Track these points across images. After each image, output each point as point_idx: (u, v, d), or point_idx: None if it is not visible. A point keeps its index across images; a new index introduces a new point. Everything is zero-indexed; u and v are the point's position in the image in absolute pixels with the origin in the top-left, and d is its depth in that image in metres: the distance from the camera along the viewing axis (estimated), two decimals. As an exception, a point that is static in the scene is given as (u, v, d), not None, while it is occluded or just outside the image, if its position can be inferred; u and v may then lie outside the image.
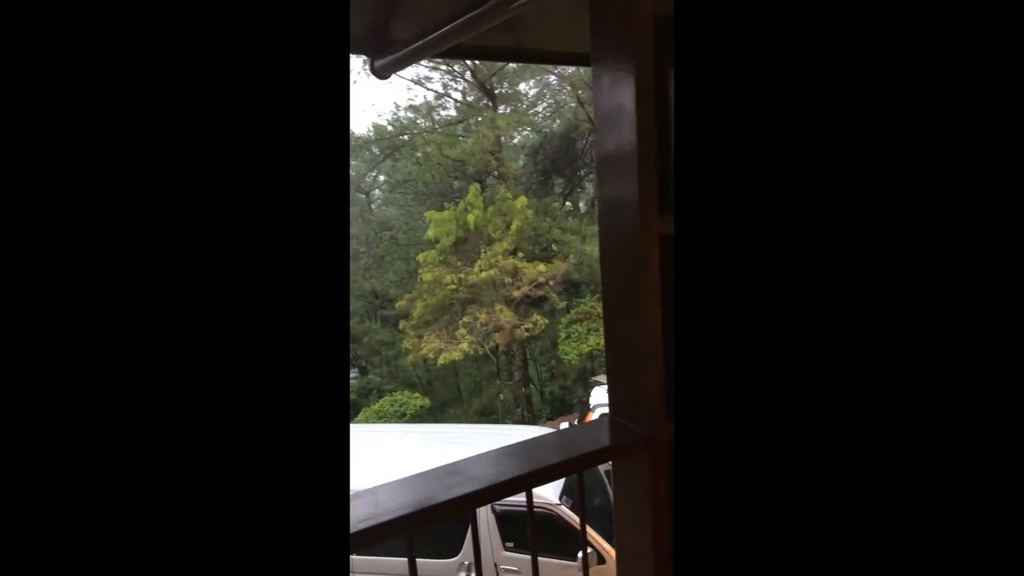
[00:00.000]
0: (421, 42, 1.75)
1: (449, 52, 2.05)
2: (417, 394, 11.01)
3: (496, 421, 10.92)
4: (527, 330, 10.07)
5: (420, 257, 10.62)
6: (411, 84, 12.47)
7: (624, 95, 0.90)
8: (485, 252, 10.13)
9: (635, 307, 0.94)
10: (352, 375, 14.66)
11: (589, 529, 3.88)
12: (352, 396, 12.85)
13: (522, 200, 10.45)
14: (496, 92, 12.80)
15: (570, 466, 0.91)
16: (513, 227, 10.19)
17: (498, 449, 0.94)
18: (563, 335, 10.80)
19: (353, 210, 15.34)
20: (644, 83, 0.88)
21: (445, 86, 12.65)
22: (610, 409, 1.03)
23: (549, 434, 1.03)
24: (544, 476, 0.88)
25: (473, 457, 0.92)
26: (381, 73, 1.85)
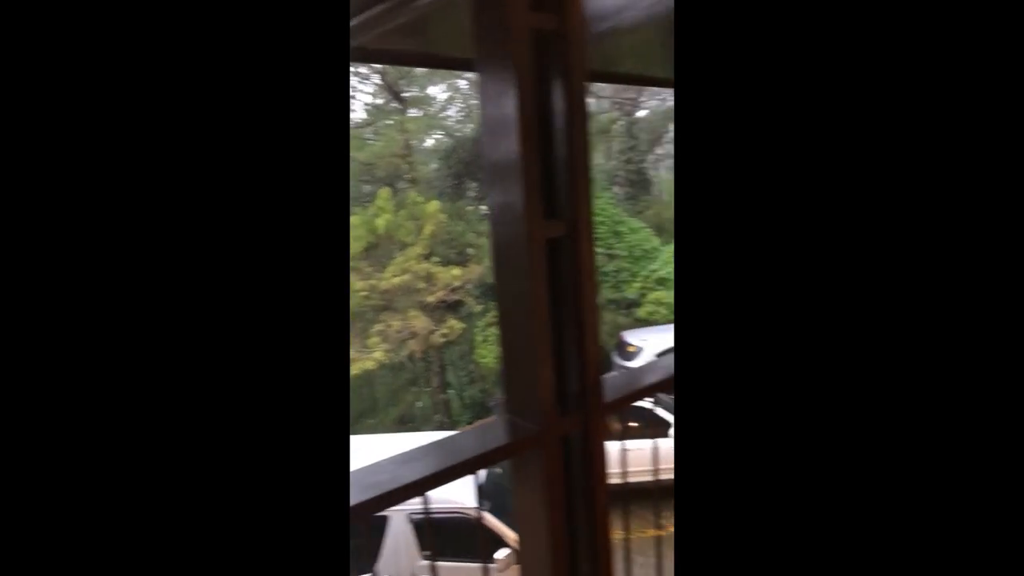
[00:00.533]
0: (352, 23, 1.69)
1: (356, 55, 1.99)
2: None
3: (415, 429, 10.75)
4: (443, 335, 9.99)
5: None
6: (360, 79, 12.03)
7: (507, 104, 0.93)
8: (397, 257, 9.96)
9: (525, 309, 0.98)
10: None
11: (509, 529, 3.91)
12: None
13: (434, 204, 10.38)
14: (405, 95, 12.63)
15: (465, 467, 0.92)
16: (426, 231, 10.09)
17: (393, 456, 0.94)
18: (480, 338, 10.83)
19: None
20: (526, 93, 0.91)
21: (353, 88, 12.30)
22: (505, 408, 1.05)
23: (445, 437, 1.03)
24: (440, 479, 0.89)
25: (370, 465, 0.91)
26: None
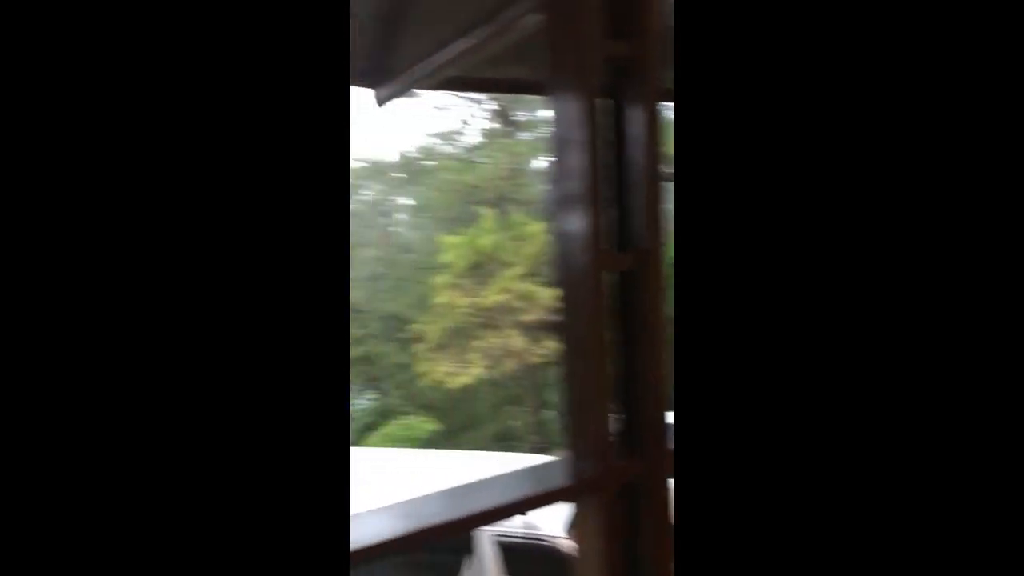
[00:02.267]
0: (417, 71, 1.80)
1: (455, 84, 2.09)
2: (428, 418, 10.98)
3: (511, 448, 10.80)
4: (541, 356, 10.00)
5: (435, 280, 10.71)
6: (437, 111, 12.77)
7: (577, 131, 0.91)
8: (499, 277, 10.16)
9: (588, 345, 0.93)
10: (370, 397, 14.71)
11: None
12: (369, 418, 12.87)
13: (537, 225, 10.50)
14: (516, 119, 12.99)
15: (517, 508, 0.89)
16: (528, 252, 10.22)
17: (451, 488, 0.93)
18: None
19: (376, 233, 15.58)
20: (596, 120, 0.89)
21: (469, 113, 12.90)
22: (567, 448, 1.01)
23: (504, 474, 1.01)
24: (488, 518, 0.87)
25: (427, 496, 0.91)
26: (382, 102, 1.90)
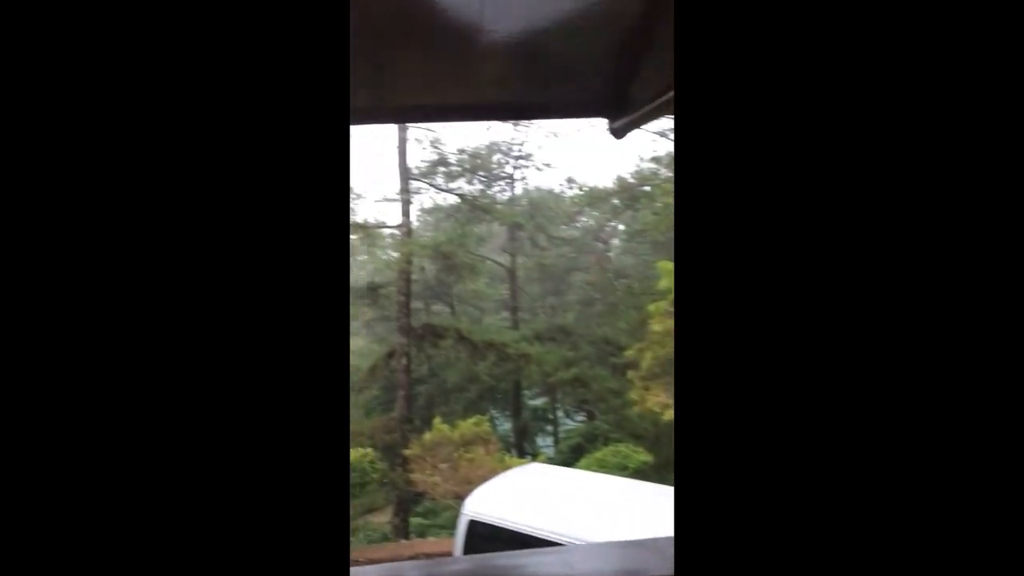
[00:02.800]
0: (658, 102, 1.81)
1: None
2: (641, 448, 10.67)
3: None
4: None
5: (651, 307, 10.47)
6: (655, 136, 12.66)
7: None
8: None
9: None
10: (579, 419, 14.94)
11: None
12: (578, 440, 13.06)
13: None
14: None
15: None
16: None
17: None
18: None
19: (590, 258, 15.94)
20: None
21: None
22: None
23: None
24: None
25: (658, 538, 0.88)
26: (618, 133, 1.96)
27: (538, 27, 1.57)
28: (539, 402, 15.95)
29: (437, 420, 10.17)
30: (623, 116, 1.89)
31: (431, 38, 1.54)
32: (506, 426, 15.07)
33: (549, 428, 15.98)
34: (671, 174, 12.97)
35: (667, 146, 13.37)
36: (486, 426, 10.27)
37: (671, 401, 9.66)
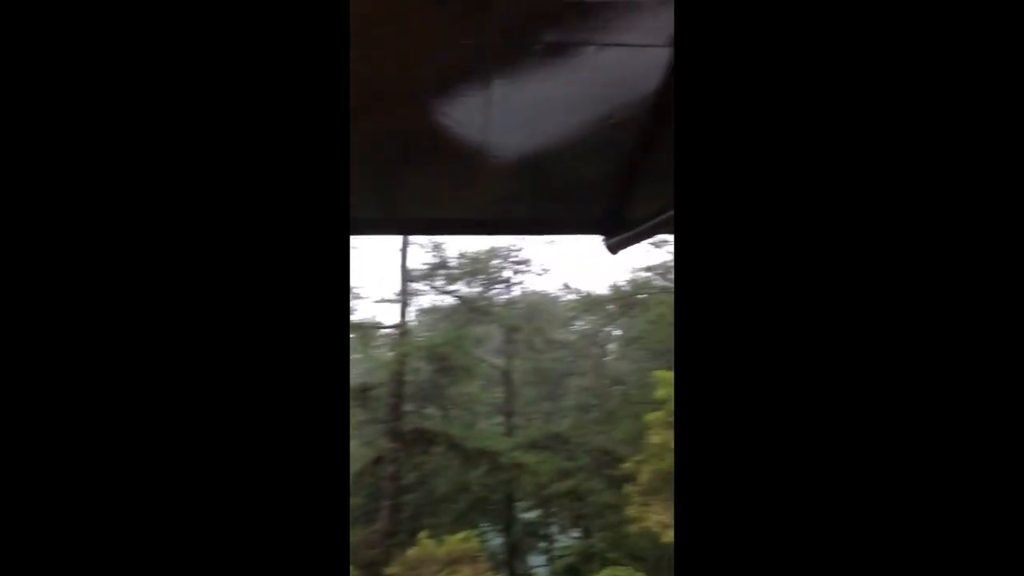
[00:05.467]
0: (652, 223, 1.88)
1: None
2: (641, 572, 9.90)
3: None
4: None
5: (650, 417, 10.20)
6: (650, 247, 13.09)
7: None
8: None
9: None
10: (575, 535, 14.01)
11: None
12: (573, 559, 12.15)
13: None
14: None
15: None
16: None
17: None
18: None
19: (586, 364, 15.81)
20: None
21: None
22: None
23: None
24: None
25: None
26: (613, 249, 2.00)
27: (539, 149, 1.66)
28: (533, 515, 15.07)
29: (423, 535, 9.54)
30: (617, 234, 1.95)
31: (436, 156, 1.62)
32: (497, 540, 14.10)
33: (543, 545, 14.95)
34: (665, 283, 13.24)
35: (661, 256, 13.78)
36: (475, 542, 9.61)
37: (671, 521, 9.12)
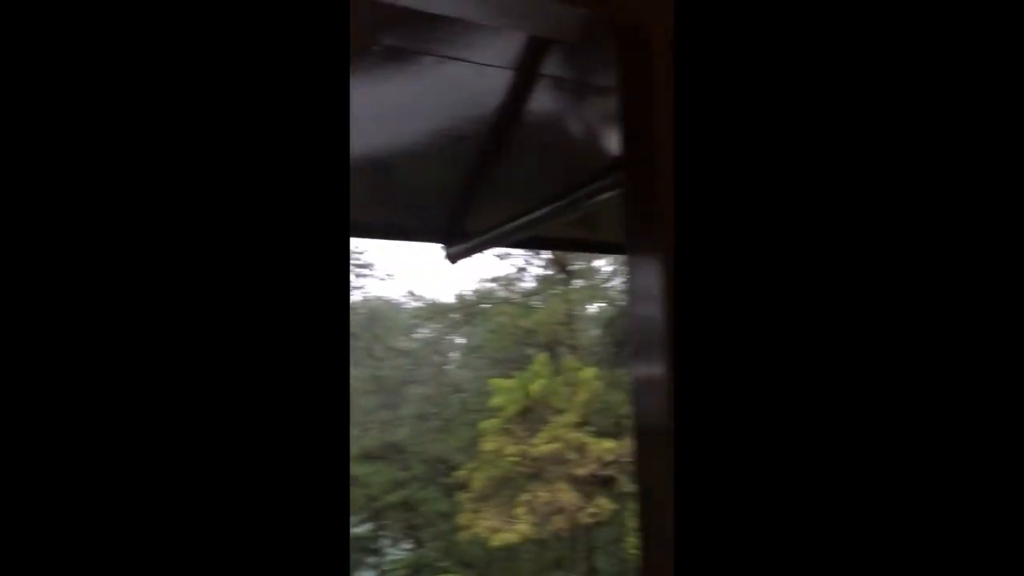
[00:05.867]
0: (491, 235, 1.95)
1: (521, 243, 2.25)
2: (469, 578, 10.06)
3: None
4: (592, 515, 9.27)
5: (484, 425, 10.48)
6: (496, 258, 13.52)
7: (654, 286, 0.93)
8: (550, 424, 9.86)
9: (669, 511, 0.87)
10: (407, 546, 13.76)
11: None
12: (403, 572, 11.92)
13: (591, 371, 10.36)
14: (572, 268, 13.52)
15: None
16: (580, 398, 9.98)
17: None
18: (634, 524, 9.82)
19: (428, 371, 15.75)
20: (672, 277, 0.91)
21: (525, 260, 13.58)
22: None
23: None
24: None
25: None
26: (452, 259, 2.04)
27: (380, 153, 1.63)
28: (362, 530, 14.50)
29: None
30: (458, 244, 1.99)
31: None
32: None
33: (372, 560, 14.44)
34: (507, 294, 13.75)
35: (504, 267, 14.28)
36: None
37: (502, 524, 9.43)
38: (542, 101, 1.52)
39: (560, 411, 10.02)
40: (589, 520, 9.42)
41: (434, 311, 14.68)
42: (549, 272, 13.78)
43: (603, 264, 14.29)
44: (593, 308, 14.37)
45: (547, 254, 13.30)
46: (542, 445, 9.57)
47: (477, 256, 2.11)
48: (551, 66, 1.40)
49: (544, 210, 1.59)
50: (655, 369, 0.92)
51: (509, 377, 10.84)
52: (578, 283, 13.54)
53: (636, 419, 0.96)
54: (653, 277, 0.94)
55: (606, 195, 1.37)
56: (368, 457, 12.66)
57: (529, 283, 13.91)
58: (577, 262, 13.73)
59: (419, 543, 13.23)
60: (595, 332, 13.80)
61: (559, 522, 9.40)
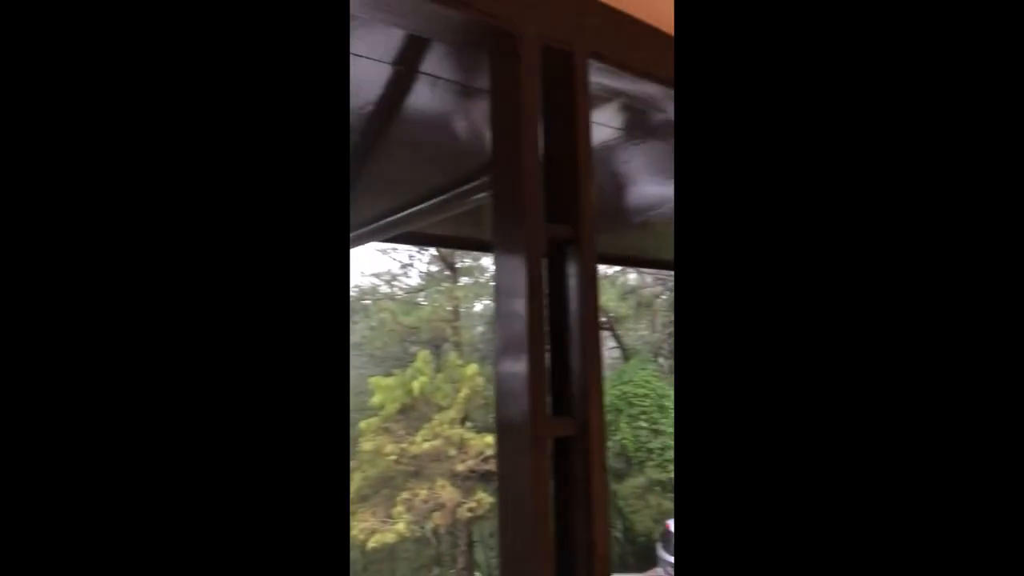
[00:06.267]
0: (367, 228, 1.89)
1: (408, 239, 2.22)
2: (344, 582, 9.71)
3: (433, 618, 9.60)
4: (471, 509, 9.36)
5: (363, 424, 10.17)
6: (379, 253, 13.14)
7: (519, 304, 0.97)
8: (431, 421, 9.80)
9: (526, 512, 0.91)
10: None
11: None
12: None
13: (473, 367, 10.45)
14: (458, 265, 13.54)
15: None
16: (461, 395, 10.03)
17: None
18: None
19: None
20: (537, 298, 0.95)
21: (410, 256, 13.36)
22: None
23: None
24: None
25: None
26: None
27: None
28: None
29: None
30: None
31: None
32: None
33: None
34: (389, 290, 13.43)
35: (387, 263, 13.92)
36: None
37: (379, 525, 9.20)
38: (421, 98, 1.51)
39: (442, 408, 9.99)
40: (468, 515, 9.51)
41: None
42: (435, 269, 13.68)
43: (490, 261, 14.47)
44: (479, 306, 14.51)
45: (433, 251, 13.19)
46: (422, 443, 9.48)
47: (357, 250, 2.05)
48: (431, 64, 1.40)
49: (420, 206, 1.59)
50: (518, 366, 0.95)
51: (390, 375, 10.60)
52: (465, 280, 13.59)
53: (499, 415, 0.99)
54: (519, 275, 0.98)
55: (481, 195, 1.39)
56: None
57: (414, 280, 13.71)
58: (464, 259, 13.77)
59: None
60: (480, 329, 13.93)
61: (438, 519, 9.38)
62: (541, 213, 0.99)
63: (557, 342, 1.01)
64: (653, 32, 1.16)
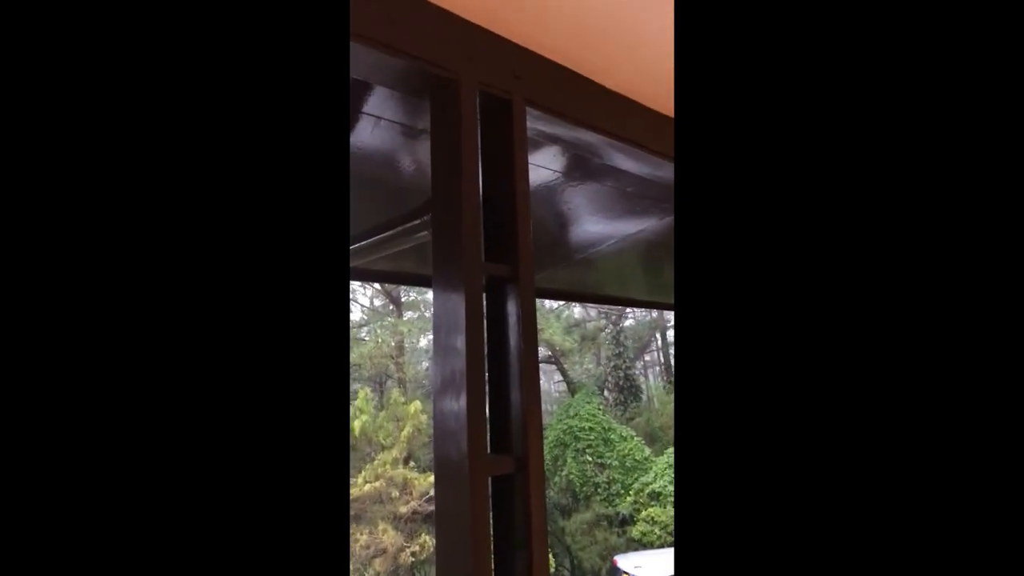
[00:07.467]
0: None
1: (351, 274, 2.20)
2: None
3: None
4: (413, 554, 9.01)
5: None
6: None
7: (458, 340, 0.98)
8: (372, 462, 9.47)
9: (470, 551, 0.90)
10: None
11: None
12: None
13: (416, 404, 10.22)
14: (403, 300, 13.38)
15: None
16: (404, 433, 9.77)
17: None
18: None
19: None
20: (476, 336, 0.97)
21: (353, 293, 13.10)
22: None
23: None
24: None
25: None
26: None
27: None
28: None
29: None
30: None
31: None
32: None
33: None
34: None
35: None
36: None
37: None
38: (364, 138, 1.53)
39: (384, 447, 9.68)
40: (410, 560, 9.14)
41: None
42: (379, 303, 13.45)
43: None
44: (424, 341, 14.30)
45: (377, 285, 12.99)
46: (363, 484, 9.11)
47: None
48: (373, 106, 1.43)
49: (363, 242, 1.59)
50: (457, 404, 0.95)
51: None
52: (409, 315, 13.41)
53: (437, 453, 0.98)
54: (458, 313, 0.99)
55: (424, 232, 1.41)
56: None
57: (356, 315, 13.41)
58: (409, 293, 13.62)
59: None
60: (425, 364, 13.71)
61: (379, 565, 8.96)
62: (480, 252, 1.02)
63: (495, 379, 1.02)
64: (588, 84, 1.24)
